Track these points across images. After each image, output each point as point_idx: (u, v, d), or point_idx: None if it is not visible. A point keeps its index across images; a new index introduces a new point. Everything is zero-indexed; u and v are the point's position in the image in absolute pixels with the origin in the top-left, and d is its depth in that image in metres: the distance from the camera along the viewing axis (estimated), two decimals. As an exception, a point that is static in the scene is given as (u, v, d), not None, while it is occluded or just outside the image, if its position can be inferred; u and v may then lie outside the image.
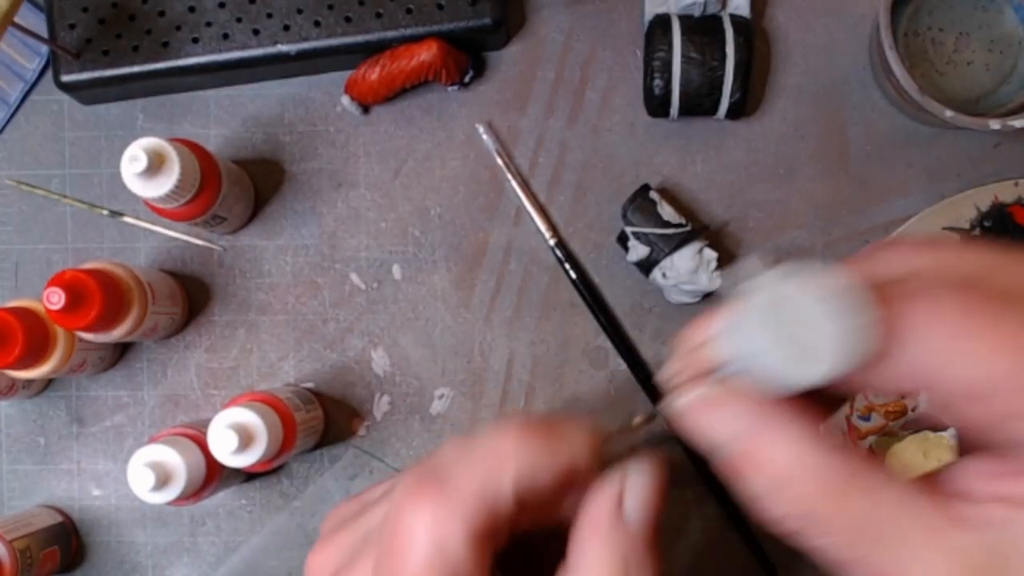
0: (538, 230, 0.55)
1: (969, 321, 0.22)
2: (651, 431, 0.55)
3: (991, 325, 0.22)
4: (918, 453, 0.53)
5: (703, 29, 0.51)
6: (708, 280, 0.52)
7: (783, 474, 0.23)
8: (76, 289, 0.45)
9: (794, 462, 0.23)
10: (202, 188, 0.48)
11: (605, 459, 0.27)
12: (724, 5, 0.52)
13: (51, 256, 0.56)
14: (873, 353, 0.21)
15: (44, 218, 0.56)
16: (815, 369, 0.20)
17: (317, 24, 0.53)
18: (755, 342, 0.20)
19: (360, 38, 0.53)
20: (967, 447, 0.24)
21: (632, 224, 0.52)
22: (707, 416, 0.24)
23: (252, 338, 0.56)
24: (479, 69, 0.56)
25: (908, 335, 0.22)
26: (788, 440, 0.23)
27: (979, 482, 0.24)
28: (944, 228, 0.53)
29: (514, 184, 0.55)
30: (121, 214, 0.56)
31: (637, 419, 0.28)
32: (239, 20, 0.53)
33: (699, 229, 0.53)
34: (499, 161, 0.55)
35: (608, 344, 0.55)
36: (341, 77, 0.55)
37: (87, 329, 0.47)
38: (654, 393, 0.54)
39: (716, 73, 0.51)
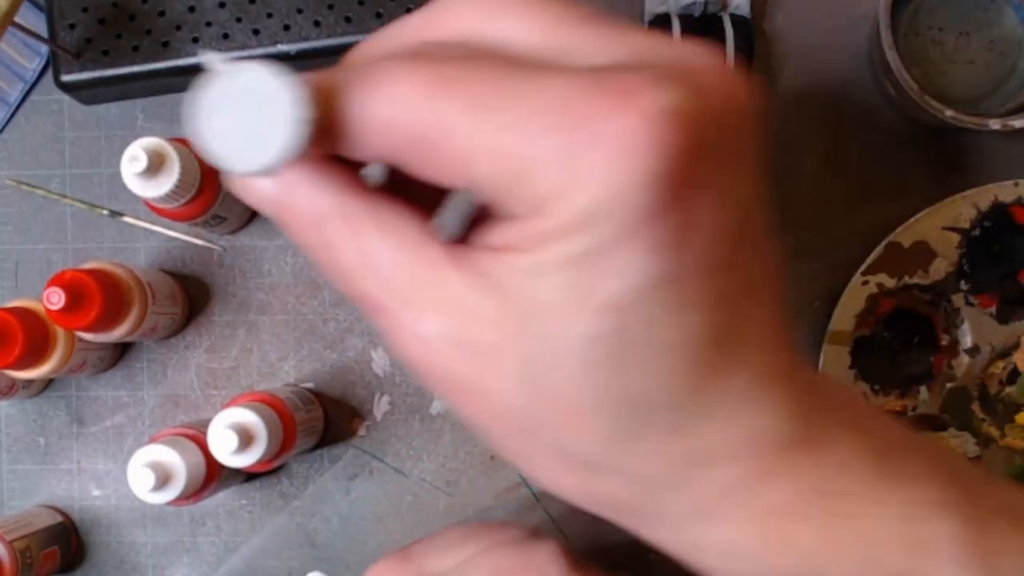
0: (538, 230, 0.55)
1: (414, 74, 0.24)
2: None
3: (424, 69, 0.24)
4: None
5: (703, 29, 0.51)
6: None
7: (302, 207, 0.25)
8: (76, 289, 0.45)
9: (307, 195, 0.25)
10: (202, 188, 0.48)
11: None
12: (724, 5, 0.52)
13: (51, 256, 0.56)
14: (311, 141, 0.22)
15: (44, 218, 0.56)
16: (254, 161, 0.22)
17: (317, 24, 0.53)
18: (211, 127, 0.22)
19: (360, 38, 0.53)
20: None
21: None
22: (247, 186, 0.26)
23: (252, 338, 0.56)
24: (479, 69, 0.56)
25: (361, 104, 0.23)
26: (308, 184, 0.25)
27: (491, 236, 0.25)
28: (944, 228, 0.53)
29: (514, 184, 0.55)
30: (121, 214, 0.56)
31: None
32: (239, 20, 0.53)
33: (699, 229, 0.53)
34: (499, 161, 0.55)
35: (608, 344, 0.55)
36: (341, 77, 0.55)
37: (87, 329, 0.47)
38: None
39: (716, 73, 0.51)
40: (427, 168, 0.25)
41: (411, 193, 0.26)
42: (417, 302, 0.26)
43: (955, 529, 0.27)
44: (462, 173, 0.24)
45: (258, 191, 0.26)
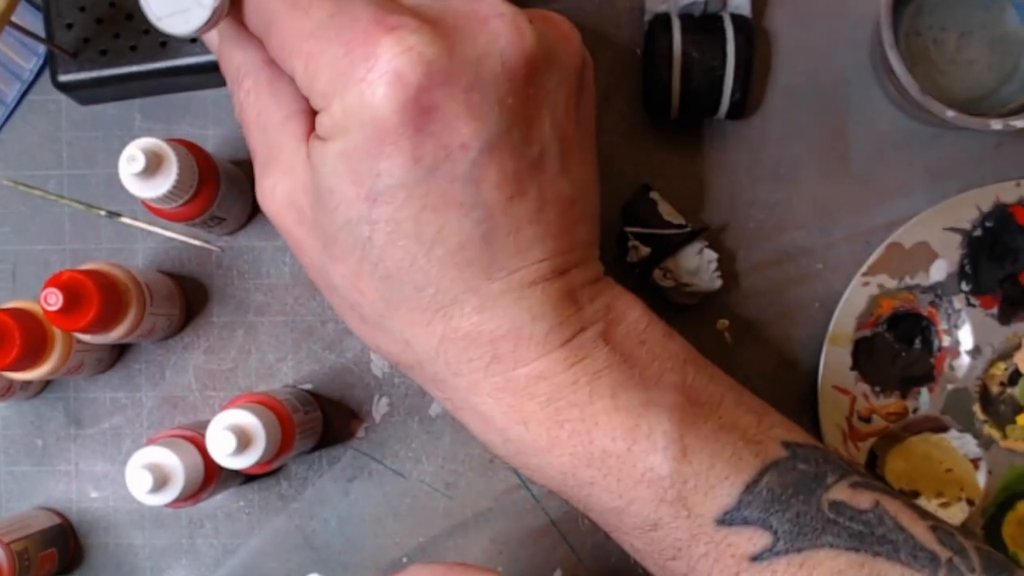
0: (538, 231, 0.55)
1: None
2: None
3: None
4: (920, 455, 0.53)
5: (703, 28, 0.51)
6: (709, 280, 0.52)
7: (231, 59, 0.35)
8: (74, 290, 0.45)
9: (235, 51, 0.34)
10: (200, 188, 0.48)
11: None
12: (725, 4, 0.52)
13: (48, 257, 0.56)
14: (222, 15, 0.30)
15: (41, 219, 0.56)
16: (187, 24, 0.31)
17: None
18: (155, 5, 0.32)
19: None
20: None
21: (632, 224, 0.52)
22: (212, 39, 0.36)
23: (250, 339, 0.55)
24: (478, 69, 0.56)
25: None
26: (235, 44, 0.34)
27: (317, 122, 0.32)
28: (945, 228, 0.52)
29: (513, 184, 0.55)
30: (119, 215, 0.56)
31: None
32: (237, 20, 0.53)
33: (699, 229, 0.53)
34: (498, 161, 0.55)
35: (608, 345, 0.55)
36: (340, 77, 0.55)
37: (85, 330, 0.47)
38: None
39: (716, 73, 0.50)
40: (272, 52, 0.31)
41: None
42: (277, 162, 0.32)
43: (671, 428, 0.32)
44: (286, 62, 0.30)
45: (209, 41, 0.34)
